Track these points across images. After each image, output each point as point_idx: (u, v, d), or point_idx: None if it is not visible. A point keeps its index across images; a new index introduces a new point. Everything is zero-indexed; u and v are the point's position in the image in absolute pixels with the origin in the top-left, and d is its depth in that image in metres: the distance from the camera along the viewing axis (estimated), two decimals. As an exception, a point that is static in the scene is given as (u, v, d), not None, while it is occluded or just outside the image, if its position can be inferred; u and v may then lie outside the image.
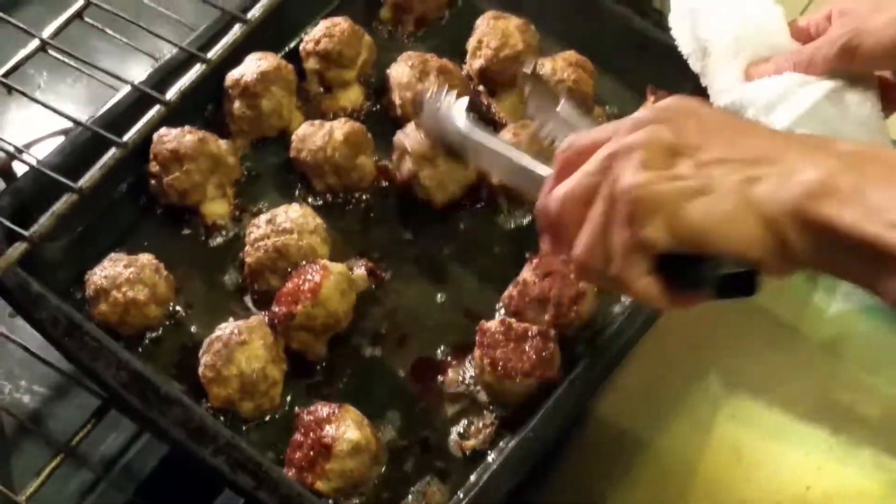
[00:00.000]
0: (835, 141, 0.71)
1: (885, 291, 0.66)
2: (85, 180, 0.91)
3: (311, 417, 0.95)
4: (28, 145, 1.18)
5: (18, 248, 0.89)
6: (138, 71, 1.16)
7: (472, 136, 0.99)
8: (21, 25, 1.04)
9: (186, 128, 1.09)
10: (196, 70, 0.98)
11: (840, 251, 0.66)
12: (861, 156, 0.68)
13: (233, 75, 1.13)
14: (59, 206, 0.90)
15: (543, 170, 0.88)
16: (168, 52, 1.10)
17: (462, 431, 1.01)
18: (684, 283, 0.74)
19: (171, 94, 0.96)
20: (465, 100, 1.00)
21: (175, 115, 1.04)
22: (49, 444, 1.02)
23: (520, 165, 0.93)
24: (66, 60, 1.06)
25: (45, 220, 0.89)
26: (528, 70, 1.10)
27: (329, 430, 0.94)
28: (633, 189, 0.70)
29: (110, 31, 1.11)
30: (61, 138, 1.16)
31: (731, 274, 0.72)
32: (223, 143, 1.10)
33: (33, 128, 1.21)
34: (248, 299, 1.07)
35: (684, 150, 0.71)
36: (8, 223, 0.92)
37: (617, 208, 0.71)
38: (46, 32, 1.05)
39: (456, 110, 1.00)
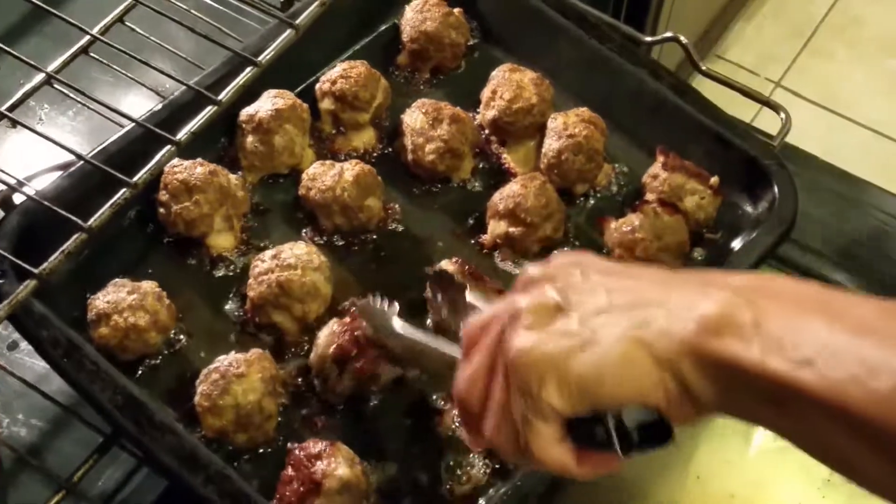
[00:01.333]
0: (724, 275, 0.69)
1: (789, 432, 0.62)
2: (94, 220, 0.91)
3: (303, 453, 0.95)
4: (29, 178, 1.19)
5: (28, 286, 0.89)
6: (138, 103, 1.18)
7: (402, 335, 0.98)
8: (28, 60, 1.05)
9: (198, 160, 1.10)
10: (207, 112, 0.99)
11: (742, 390, 0.61)
12: (756, 288, 0.63)
13: (248, 111, 1.15)
14: (69, 244, 0.91)
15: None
16: (171, 86, 1.11)
17: (454, 476, 1.00)
18: (594, 444, 0.68)
19: (182, 134, 0.96)
20: (396, 306, 1.00)
21: (186, 149, 1.05)
22: (49, 478, 1.02)
23: (440, 353, 0.91)
24: (72, 95, 1.07)
25: (55, 259, 0.90)
26: (431, 270, 1.09)
27: (319, 466, 0.93)
28: (520, 354, 0.67)
29: (116, 67, 1.12)
30: (61, 171, 1.18)
31: (644, 426, 0.67)
32: (233, 177, 1.11)
33: (34, 160, 1.20)
34: (248, 332, 1.07)
35: (570, 306, 0.67)
36: (18, 262, 0.93)
37: (512, 377, 0.68)
38: (52, 67, 1.06)
39: (389, 314, 0.99)
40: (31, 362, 1.11)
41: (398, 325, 0.97)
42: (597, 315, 0.66)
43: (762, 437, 1.11)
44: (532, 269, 0.72)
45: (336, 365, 1.01)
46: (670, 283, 0.67)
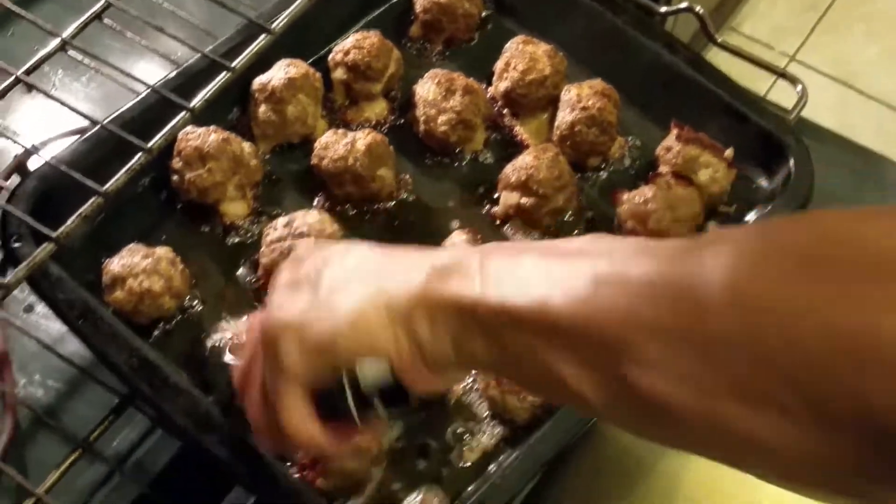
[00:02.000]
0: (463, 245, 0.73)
1: (510, 365, 0.64)
2: (110, 184, 0.92)
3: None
4: (43, 143, 1.20)
5: (46, 249, 0.90)
6: (150, 70, 1.18)
7: None
8: (43, 25, 1.05)
9: (212, 127, 1.11)
10: (221, 78, 0.99)
11: (469, 331, 0.64)
12: (485, 247, 0.68)
13: (260, 80, 1.15)
14: (86, 208, 0.92)
15: None
16: (184, 54, 1.11)
17: (463, 442, 1.01)
18: (338, 415, 0.70)
19: (196, 101, 0.97)
20: None
21: (200, 117, 1.06)
22: (65, 438, 1.03)
23: None
24: (86, 61, 1.08)
25: (71, 222, 0.91)
26: None
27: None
28: (264, 324, 0.71)
29: (129, 33, 1.13)
30: (77, 137, 1.18)
31: (384, 392, 0.69)
32: (246, 145, 1.12)
33: (47, 125, 1.22)
34: (261, 298, 1.07)
35: (307, 279, 0.71)
36: (36, 224, 0.93)
37: (262, 352, 0.72)
38: (67, 32, 1.06)
39: None
40: (46, 324, 1.12)
41: None
42: (334, 285, 0.70)
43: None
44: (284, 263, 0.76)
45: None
46: (412, 250, 0.71)
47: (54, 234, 0.92)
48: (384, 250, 0.73)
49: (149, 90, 1.05)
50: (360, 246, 0.75)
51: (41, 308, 1.13)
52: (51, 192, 1.03)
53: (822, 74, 2.69)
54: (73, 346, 1.05)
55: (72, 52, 1.08)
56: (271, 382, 0.71)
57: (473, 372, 1.03)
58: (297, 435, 0.72)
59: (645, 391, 0.55)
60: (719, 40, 1.31)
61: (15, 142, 1.06)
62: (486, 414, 1.03)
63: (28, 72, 1.06)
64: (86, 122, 1.06)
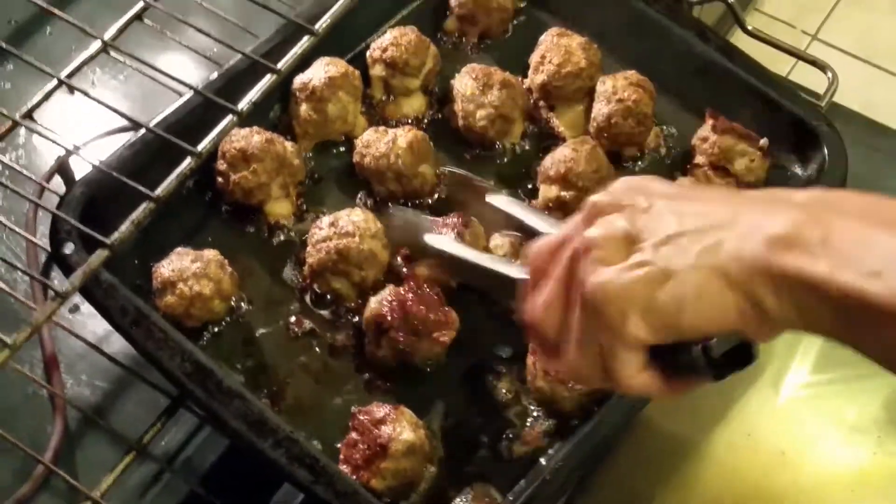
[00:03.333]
0: (788, 192, 0.69)
1: (862, 345, 0.63)
2: (161, 189, 0.92)
3: (367, 417, 0.97)
4: (84, 143, 1.21)
5: (101, 256, 0.90)
6: (186, 66, 1.19)
7: (445, 250, 0.99)
8: (86, 28, 1.06)
9: (255, 128, 1.11)
10: (266, 80, 1.00)
11: (816, 306, 0.62)
12: (821, 203, 0.65)
13: (301, 79, 1.16)
14: (138, 214, 0.92)
15: (517, 272, 0.84)
16: (219, 50, 1.11)
17: (514, 437, 1.02)
18: (679, 370, 0.70)
19: (243, 103, 0.97)
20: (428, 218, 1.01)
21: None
22: (115, 438, 1.05)
23: (494, 272, 0.90)
24: (129, 63, 1.09)
25: (125, 228, 0.91)
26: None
27: (385, 430, 0.95)
28: (597, 292, 0.67)
29: (168, 33, 1.13)
30: (116, 136, 1.19)
31: (726, 351, 0.68)
32: (289, 145, 1.13)
33: (87, 125, 1.23)
34: (307, 298, 1.09)
35: (640, 234, 0.67)
36: (89, 231, 0.94)
37: (591, 312, 0.69)
38: (108, 34, 1.07)
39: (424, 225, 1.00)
40: (92, 323, 1.13)
41: (443, 241, 0.98)
42: (668, 242, 0.66)
43: (814, 392, 1.12)
44: (596, 196, 0.72)
45: (375, 330, 1.04)
46: (736, 203, 0.67)
47: (109, 241, 0.92)
48: (698, 195, 0.71)
49: (192, 93, 1.06)
50: (675, 188, 0.72)
51: (86, 307, 1.13)
52: (98, 197, 1.04)
53: (844, 53, 2.68)
54: (119, 345, 1.06)
55: (114, 54, 1.08)
56: (608, 348, 0.69)
57: (521, 370, 1.05)
58: (637, 390, 0.71)
59: None
60: (750, 28, 1.31)
61: (56, 143, 1.06)
62: (533, 407, 1.04)
63: (70, 75, 1.06)
64: (125, 122, 1.06)
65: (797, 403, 1.12)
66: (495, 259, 0.90)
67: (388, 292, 1.04)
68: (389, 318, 1.02)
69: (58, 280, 1.09)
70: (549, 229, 0.84)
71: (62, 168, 1.16)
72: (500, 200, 0.96)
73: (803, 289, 0.61)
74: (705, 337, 0.67)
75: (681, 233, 0.66)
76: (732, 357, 0.69)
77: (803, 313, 0.63)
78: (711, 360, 0.68)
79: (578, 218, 0.72)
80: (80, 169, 1.11)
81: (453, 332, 1.04)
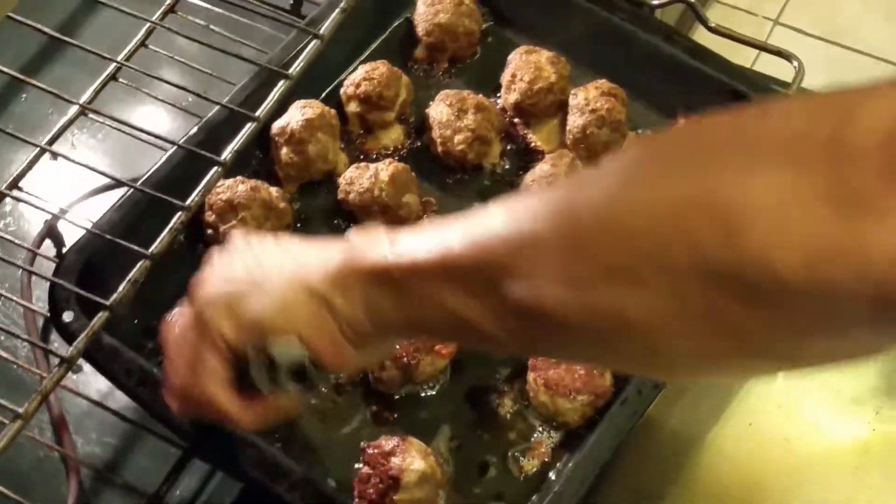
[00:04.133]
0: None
1: (419, 321, 0.71)
2: (156, 246, 0.94)
3: (377, 451, 0.99)
4: (71, 205, 1.22)
5: (101, 319, 0.92)
6: (163, 119, 1.21)
7: None
8: (61, 94, 1.07)
9: (239, 177, 1.13)
10: (247, 129, 1.01)
11: (374, 296, 0.71)
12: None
13: (279, 124, 1.17)
14: (135, 273, 0.93)
15: None
16: (194, 100, 1.14)
17: (521, 454, 1.04)
18: (253, 388, 0.78)
19: (226, 154, 0.99)
20: None
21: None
22: (129, 493, 1.05)
23: None
24: (108, 123, 1.10)
25: (123, 289, 0.92)
26: None
27: (395, 461, 0.97)
28: (200, 298, 0.79)
29: (144, 90, 1.15)
30: (103, 195, 1.20)
31: (297, 369, 0.76)
32: (274, 190, 1.14)
33: (71, 186, 1.23)
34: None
35: (241, 260, 0.79)
36: (89, 295, 0.95)
37: (196, 323, 0.79)
38: (83, 98, 1.08)
39: None
40: (95, 381, 1.14)
41: None
42: (266, 267, 0.77)
43: (811, 381, 1.14)
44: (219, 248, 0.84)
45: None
46: (334, 240, 0.76)
47: (108, 303, 0.94)
48: (311, 240, 0.80)
49: (175, 147, 1.07)
50: (289, 237, 0.83)
51: (88, 366, 1.14)
52: (93, 260, 1.05)
53: (807, 35, 2.71)
54: (125, 400, 1.06)
55: (92, 116, 1.10)
56: (199, 348, 0.78)
57: (521, 387, 1.06)
58: (212, 398, 0.79)
59: (527, 302, 0.61)
60: (712, 25, 1.33)
61: (41, 209, 1.08)
62: (538, 422, 1.06)
63: (50, 142, 1.08)
64: (108, 180, 1.07)
65: (795, 384, 1.13)
66: None
67: None
68: None
69: (58, 343, 1.10)
70: None
71: (51, 232, 1.17)
72: None
73: (368, 279, 0.71)
74: (277, 344, 0.75)
75: (278, 262, 0.77)
76: (293, 376, 0.76)
77: (369, 304, 0.71)
78: (272, 371, 0.76)
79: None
80: (69, 230, 1.13)
81: (454, 344, 1.06)
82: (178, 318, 0.83)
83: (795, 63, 1.31)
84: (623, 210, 0.58)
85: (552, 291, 0.60)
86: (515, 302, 0.62)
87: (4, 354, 1.01)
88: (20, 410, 0.88)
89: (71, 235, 1.10)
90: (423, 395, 1.08)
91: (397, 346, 1.03)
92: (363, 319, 0.72)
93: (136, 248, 0.94)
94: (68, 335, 1.00)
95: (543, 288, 0.61)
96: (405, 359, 1.04)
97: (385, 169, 1.14)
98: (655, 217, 0.56)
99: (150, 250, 0.95)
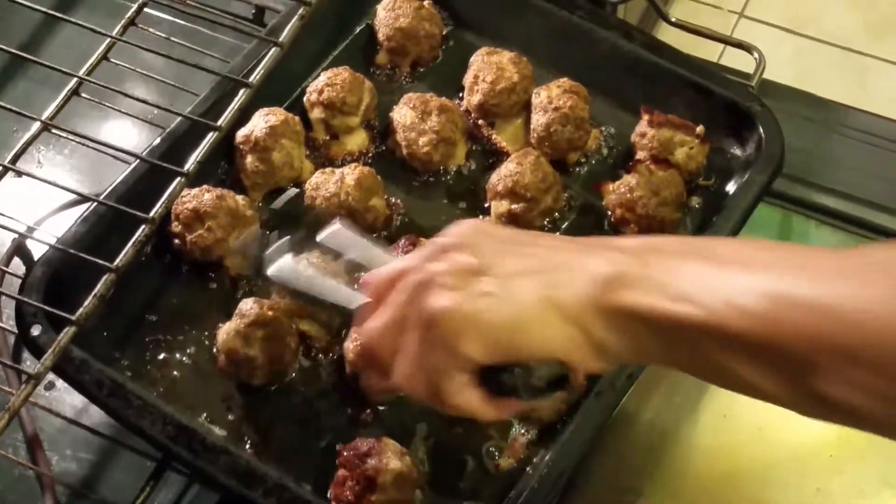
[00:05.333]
0: (619, 239, 0.78)
1: (687, 364, 0.71)
2: (120, 259, 0.94)
3: (352, 453, 0.99)
4: (38, 222, 1.22)
5: (69, 333, 0.91)
6: (129, 132, 1.21)
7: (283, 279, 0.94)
8: (23, 112, 1.07)
9: (205, 186, 1.13)
10: (209, 139, 1.01)
11: (641, 334, 0.70)
12: (643, 248, 0.73)
13: (243, 132, 1.17)
14: (101, 287, 0.93)
15: (356, 300, 0.86)
16: (160, 112, 1.13)
17: (497, 451, 1.04)
18: (501, 391, 0.77)
19: (189, 164, 0.99)
20: (287, 239, 0.97)
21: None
22: (109, 509, 1.05)
23: (333, 302, 0.90)
24: (71, 138, 1.10)
25: (89, 303, 0.92)
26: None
27: (371, 463, 0.97)
28: (444, 311, 0.74)
29: (106, 104, 1.15)
30: (71, 210, 1.21)
31: (547, 377, 0.76)
32: (240, 198, 1.14)
33: (39, 203, 1.24)
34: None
35: (485, 269, 0.74)
36: (55, 311, 0.95)
37: (430, 332, 0.75)
38: (46, 113, 1.07)
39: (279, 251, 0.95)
40: (70, 398, 1.14)
41: (283, 267, 0.93)
42: (511, 277, 0.74)
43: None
44: (441, 239, 0.79)
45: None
46: (571, 250, 0.76)
47: (74, 317, 0.93)
48: (535, 240, 0.79)
49: (138, 161, 1.07)
50: (512, 232, 0.81)
51: (62, 382, 1.14)
52: (59, 275, 1.05)
53: (772, 26, 2.72)
54: (100, 415, 1.07)
55: (54, 131, 1.10)
56: (440, 365, 0.75)
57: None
58: (462, 409, 0.77)
59: (833, 400, 0.62)
60: (673, 19, 1.34)
61: (7, 229, 1.07)
62: (513, 419, 1.06)
63: (13, 160, 1.08)
64: (75, 196, 1.07)
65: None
66: (336, 287, 0.89)
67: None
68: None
69: (29, 361, 1.10)
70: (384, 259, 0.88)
71: (20, 249, 1.17)
72: (334, 235, 0.93)
73: (632, 319, 0.70)
74: (531, 361, 0.74)
75: (523, 271, 0.74)
76: (551, 383, 0.76)
77: (632, 342, 0.71)
78: (530, 383, 0.75)
79: (422, 252, 0.79)
80: (39, 247, 1.12)
81: None
82: (383, 322, 0.79)
83: (756, 55, 1.32)
84: None
85: (860, 400, 0.60)
86: (822, 395, 0.62)
87: (-28, 373, 1.01)
88: (-12, 431, 0.88)
89: (40, 252, 1.10)
90: (399, 394, 1.08)
91: None
92: (622, 350, 0.72)
93: (100, 261, 0.94)
94: (37, 351, 1.00)
95: (851, 394, 0.61)
96: None
97: (351, 173, 1.15)
98: None
99: (114, 263, 0.95)
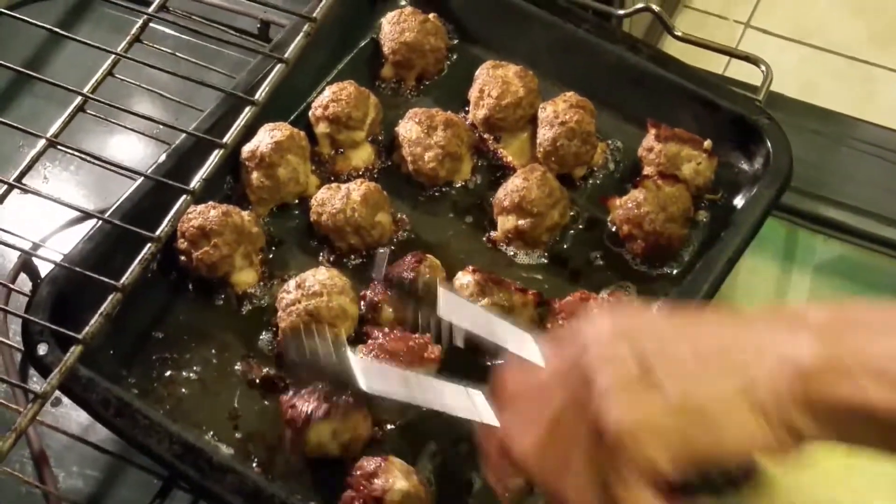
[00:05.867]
0: (799, 310, 0.69)
1: None
2: (126, 278, 0.94)
3: (359, 472, 0.98)
4: (44, 239, 1.22)
5: (75, 352, 0.92)
6: (135, 148, 1.21)
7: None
8: (29, 130, 1.07)
9: (210, 203, 1.13)
10: (215, 156, 1.01)
11: (861, 426, 0.64)
12: (840, 323, 0.66)
13: (248, 148, 1.17)
14: (107, 306, 0.93)
15: (486, 414, 0.80)
16: (165, 128, 1.13)
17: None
18: (685, 492, 0.69)
19: (195, 182, 0.99)
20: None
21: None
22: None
23: (459, 417, 0.83)
24: (76, 154, 1.10)
25: (95, 321, 0.92)
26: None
27: (378, 482, 0.97)
28: (621, 425, 0.66)
29: (112, 120, 1.15)
30: (78, 226, 1.21)
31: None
32: (246, 214, 1.14)
33: (45, 219, 1.24)
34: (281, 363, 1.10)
35: (654, 368, 0.67)
36: (61, 329, 0.95)
37: (610, 449, 0.67)
38: (51, 130, 1.07)
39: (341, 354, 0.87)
40: (76, 414, 1.13)
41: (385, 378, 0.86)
42: (686, 372, 0.66)
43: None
44: (589, 329, 0.71)
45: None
46: (749, 328, 0.68)
47: (80, 336, 0.93)
48: (697, 320, 0.71)
49: (143, 178, 1.07)
50: (671, 323, 0.71)
51: (68, 400, 1.14)
52: (65, 293, 1.05)
53: (778, 37, 2.71)
54: (106, 431, 1.06)
55: (61, 148, 1.10)
56: (624, 478, 0.67)
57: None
58: None
59: None
60: (679, 33, 1.33)
61: (12, 246, 1.07)
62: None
63: (19, 178, 1.08)
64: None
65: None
66: (451, 389, 0.83)
67: (361, 351, 1.05)
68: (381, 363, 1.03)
69: (36, 378, 1.10)
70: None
71: (26, 266, 1.17)
72: (456, 300, 0.90)
73: (845, 412, 0.63)
74: (724, 463, 0.66)
75: (696, 361, 0.66)
76: (738, 477, 0.71)
77: (842, 432, 0.64)
78: (715, 480, 0.70)
79: (566, 353, 0.71)
80: (45, 263, 1.12)
81: (436, 349, 1.06)
82: (539, 435, 0.72)
83: (763, 67, 1.31)
84: None
85: None
86: None
87: (-20, 392, 1.01)
88: (-6, 450, 0.88)
89: (47, 269, 1.09)
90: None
91: None
92: (827, 437, 0.65)
93: (106, 280, 0.94)
94: (43, 370, 1.00)
95: None
96: None
97: (356, 189, 1.15)
98: None
99: (120, 282, 0.94)
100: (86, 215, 1.12)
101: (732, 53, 1.34)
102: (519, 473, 0.75)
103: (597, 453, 0.68)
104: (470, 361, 1.08)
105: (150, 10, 1.15)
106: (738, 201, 1.21)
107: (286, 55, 1.07)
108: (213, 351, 1.11)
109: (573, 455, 0.69)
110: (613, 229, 1.19)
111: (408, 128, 1.22)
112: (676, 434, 0.65)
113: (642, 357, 0.67)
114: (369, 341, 1.06)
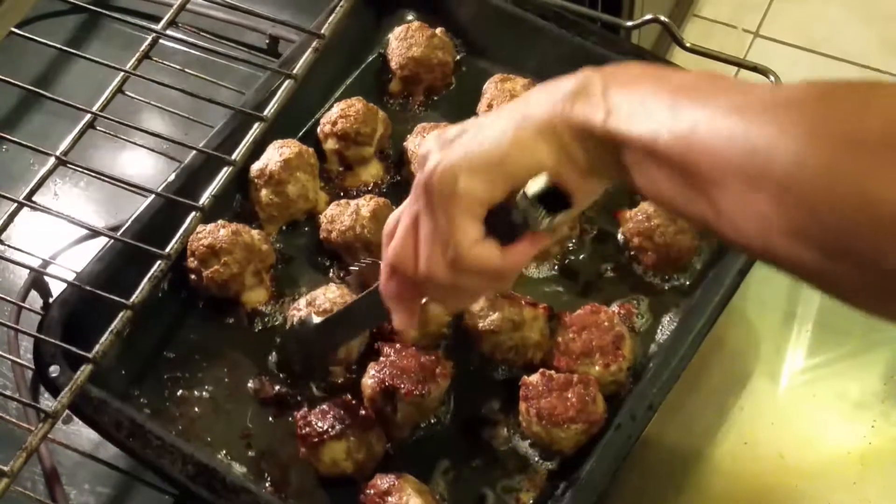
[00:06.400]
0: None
1: (634, 181, 0.71)
2: (136, 296, 0.94)
3: (373, 491, 0.98)
4: (54, 256, 1.22)
5: (85, 372, 0.92)
6: (144, 164, 1.21)
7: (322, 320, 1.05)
8: (38, 148, 1.07)
9: (220, 222, 1.13)
10: (224, 173, 1.02)
11: (601, 149, 0.72)
12: (611, 69, 0.74)
13: (257, 166, 1.17)
14: (117, 324, 0.93)
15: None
16: (171, 144, 1.14)
17: (517, 485, 1.04)
18: (511, 233, 0.78)
19: (204, 199, 0.99)
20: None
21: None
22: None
23: (361, 296, 0.98)
24: (86, 172, 1.10)
25: (105, 340, 0.92)
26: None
27: (392, 501, 0.96)
28: (433, 169, 0.77)
29: (121, 136, 1.15)
30: (88, 243, 1.21)
31: (547, 199, 0.75)
32: (255, 233, 1.14)
33: (55, 236, 1.24)
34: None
35: (453, 133, 0.79)
36: (72, 349, 0.95)
37: (432, 196, 0.77)
38: (61, 148, 1.08)
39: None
40: (87, 431, 1.12)
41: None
42: (483, 123, 0.78)
43: (814, 376, 1.15)
44: (420, 151, 0.81)
45: (383, 400, 1.05)
46: (544, 85, 0.77)
47: (91, 355, 0.93)
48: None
49: (153, 196, 1.07)
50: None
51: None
52: (76, 312, 1.05)
53: (787, 45, 2.71)
54: (116, 449, 1.06)
55: (70, 166, 1.10)
56: (448, 219, 0.77)
57: (514, 418, 1.06)
58: (479, 264, 0.78)
59: (725, 218, 0.64)
60: (688, 45, 1.33)
61: (21, 265, 1.07)
62: (532, 451, 1.05)
63: (29, 195, 1.08)
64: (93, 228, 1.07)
65: (789, 408, 1.13)
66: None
67: (373, 369, 1.05)
68: (392, 381, 1.03)
69: (47, 395, 1.09)
70: None
71: (36, 283, 1.17)
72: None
73: (585, 133, 0.72)
74: (526, 179, 0.75)
75: (493, 117, 0.78)
76: (554, 204, 0.76)
77: (588, 155, 0.73)
78: (536, 212, 0.75)
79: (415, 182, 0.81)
80: (56, 281, 1.12)
81: (447, 365, 1.06)
82: (397, 237, 0.83)
83: (772, 77, 1.31)
84: (814, 185, 0.60)
85: (744, 223, 0.63)
86: (722, 209, 0.64)
87: (-7, 410, 1.01)
88: (6, 468, 0.88)
89: (58, 286, 1.10)
90: (417, 432, 1.07)
91: (404, 387, 1.04)
92: (591, 165, 0.74)
93: (117, 299, 0.94)
94: (54, 389, 1.00)
95: (740, 213, 0.63)
96: (416, 392, 1.04)
97: (366, 205, 1.14)
98: (839, 206, 0.59)
99: (131, 300, 0.95)
100: (97, 233, 1.12)
101: (741, 64, 1.34)
102: (403, 285, 0.85)
103: (429, 208, 0.78)
104: (483, 376, 1.10)
105: (160, 26, 1.15)
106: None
107: (295, 71, 1.07)
108: (225, 369, 1.11)
109: (421, 226, 0.80)
110: (624, 242, 1.19)
111: (416, 143, 1.21)
112: (477, 157, 0.75)
113: (454, 134, 0.79)
114: (381, 358, 1.06)
